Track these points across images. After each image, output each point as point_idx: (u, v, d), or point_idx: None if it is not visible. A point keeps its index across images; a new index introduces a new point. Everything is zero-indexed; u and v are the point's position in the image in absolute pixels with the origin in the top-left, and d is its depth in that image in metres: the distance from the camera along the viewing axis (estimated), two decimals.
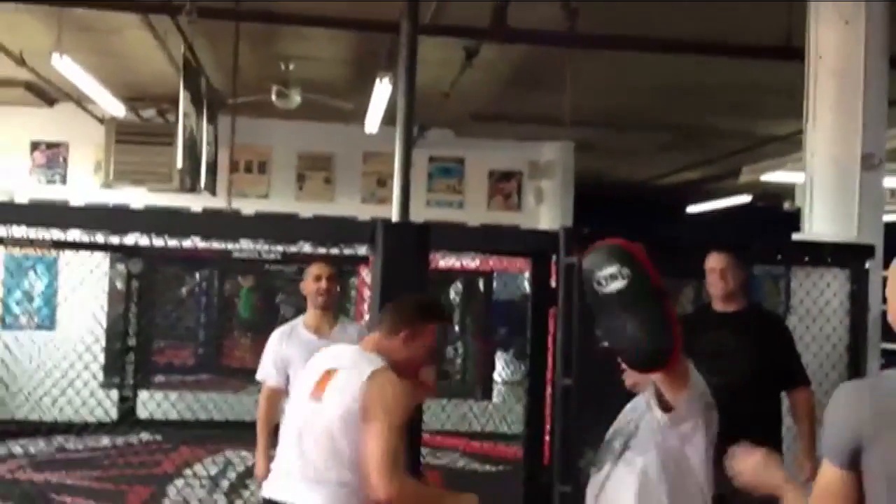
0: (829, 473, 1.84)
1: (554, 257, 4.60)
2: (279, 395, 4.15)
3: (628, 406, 2.75)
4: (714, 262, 3.98)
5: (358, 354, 2.81)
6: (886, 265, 4.47)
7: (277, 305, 10.53)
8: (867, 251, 4.33)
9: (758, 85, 7.21)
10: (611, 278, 2.31)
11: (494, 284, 10.17)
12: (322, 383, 2.71)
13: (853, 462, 1.80)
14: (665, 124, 9.28)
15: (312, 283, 4.25)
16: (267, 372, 4.17)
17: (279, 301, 10.57)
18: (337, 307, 4.42)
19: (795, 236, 4.58)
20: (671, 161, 11.25)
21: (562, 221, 10.04)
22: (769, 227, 4.96)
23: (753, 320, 3.97)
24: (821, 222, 4.48)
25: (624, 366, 2.61)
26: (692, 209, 12.97)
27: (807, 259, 4.33)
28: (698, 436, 2.52)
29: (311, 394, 2.72)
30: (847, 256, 4.31)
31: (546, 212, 10.26)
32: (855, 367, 4.23)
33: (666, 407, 2.48)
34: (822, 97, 4.52)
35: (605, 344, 2.52)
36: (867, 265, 4.31)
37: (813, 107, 4.57)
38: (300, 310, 4.52)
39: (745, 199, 11.60)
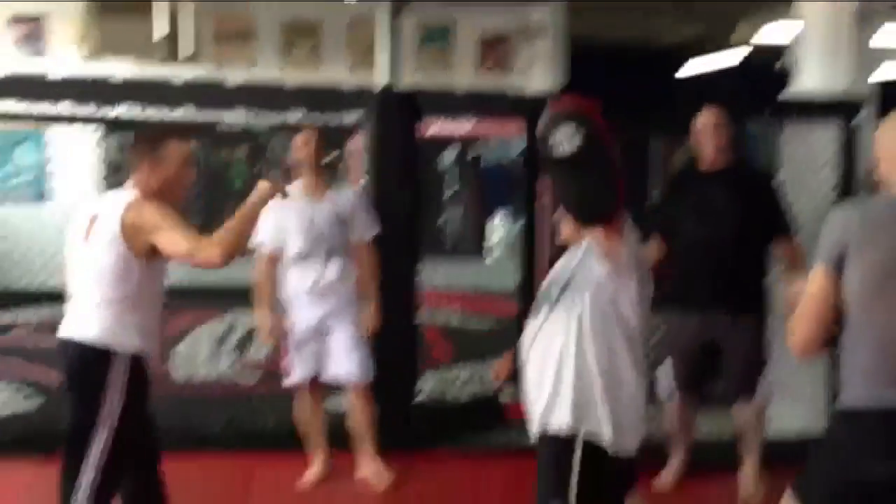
0: (820, 276, 2.20)
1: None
2: (276, 259, 4.23)
3: (562, 259, 2.85)
4: (705, 117, 4.00)
5: (114, 196, 3.07)
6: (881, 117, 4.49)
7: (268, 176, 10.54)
8: (857, 106, 4.34)
9: None
10: (565, 140, 2.40)
11: (485, 150, 10.15)
12: (88, 229, 3.01)
13: (839, 265, 2.17)
14: None
15: (301, 148, 4.27)
16: (263, 237, 4.22)
17: (271, 172, 10.56)
18: (328, 174, 4.42)
19: (786, 92, 4.58)
20: (667, 18, 11.03)
21: (554, 84, 9.94)
22: (762, 88, 4.92)
23: (740, 176, 4.02)
24: (812, 77, 4.47)
25: (559, 220, 2.79)
26: (687, 69, 12.83)
27: (797, 114, 4.34)
28: (632, 288, 2.65)
29: (84, 239, 3.03)
30: (837, 111, 4.32)
31: (537, 76, 10.13)
32: None
33: (605, 259, 2.62)
34: None
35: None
36: (857, 120, 4.34)
37: None
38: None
39: (741, 52, 11.44)
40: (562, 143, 2.40)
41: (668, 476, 4.26)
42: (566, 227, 2.80)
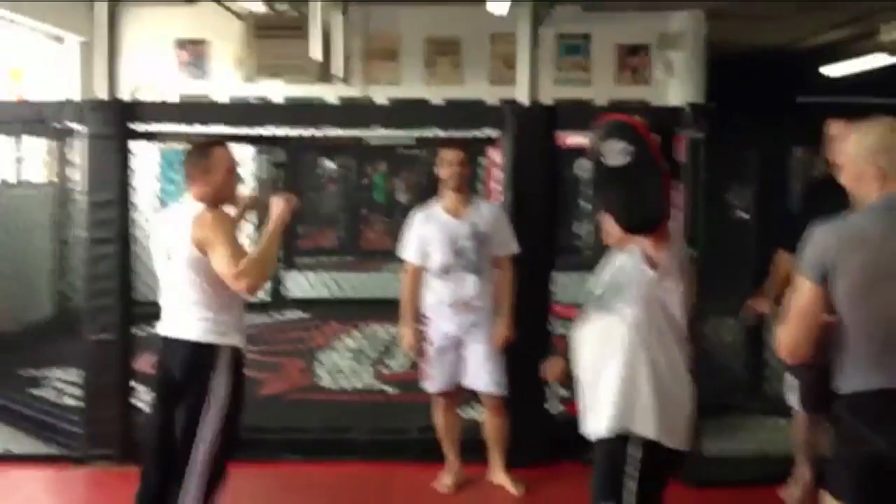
0: (807, 289, 2.43)
1: (682, 131, 4.70)
2: (420, 273, 4.46)
3: (614, 264, 2.94)
4: (832, 129, 3.99)
5: (182, 211, 3.32)
6: None
7: (415, 188, 10.86)
8: None
9: None
10: (617, 153, 2.60)
11: None
12: (168, 247, 3.32)
13: (823, 280, 2.40)
14: None
15: (446, 168, 4.46)
16: (410, 252, 4.47)
17: (416, 184, 10.90)
18: (470, 188, 4.62)
19: None
20: (806, 24, 10.76)
21: (693, 94, 9.86)
22: None
23: None
24: None
25: (606, 227, 2.91)
26: (829, 71, 12.40)
27: None
28: (677, 292, 2.78)
29: (166, 256, 3.34)
30: None
31: (676, 84, 10.08)
32: None
33: (653, 265, 2.74)
34: None
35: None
36: None
37: None
38: (432, 192, 4.78)
39: (884, 59, 11.01)
40: (613, 154, 2.59)
41: (794, 490, 4.22)
42: (613, 233, 2.90)
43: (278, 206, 3.37)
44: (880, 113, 3.99)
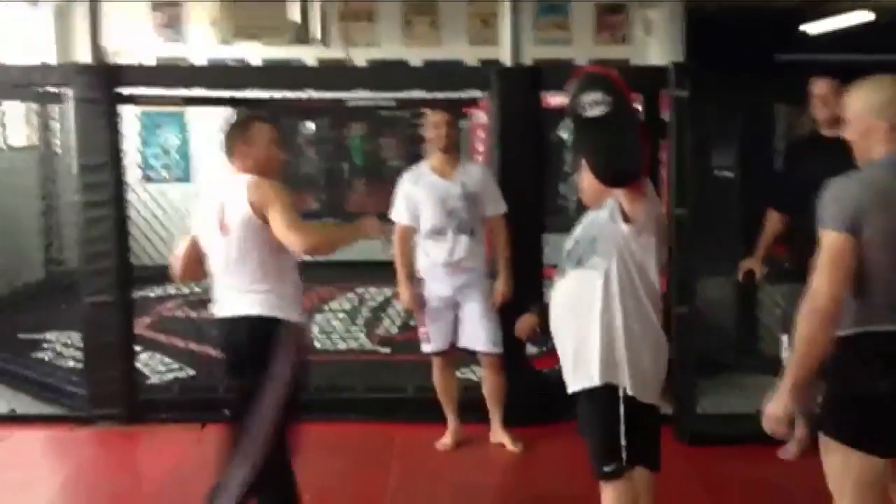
0: (836, 238, 2.45)
1: (665, 90, 4.76)
2: (411, 233, 4.52)
3: (586, 219, 3.01)
4: (817, 88, 4.07)
5: (232, 182, 3.28)
6: None
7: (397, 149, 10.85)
8: None
9: None
10: (594, 104, 2.58)
11: None
12: (220, 219, 3.23)
13: (855, 228, 2.45)
14: None
15: (432, 129, 4.51)
16: (399, 213, 4.53)
17: (397, 145, 10.88)
18: (457, 149, 4.67)
19: None
20: None
21: (672, 53, 9.89)
22: (893, 47, 4.90)
23: None
24: None
25: (583, 184, 2.98)
26: (810, 28, 12.45)
27: None
28: (652, 246, 2.84)
29: (219, 230, 3.24)
30: None
31: (656, 43, 10.12)
32: None
33: (627, 219, 2.80)
34: None
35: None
36: None
37: None
38: (414, 154, 4.82)
39: (866, 16, 11.09)
40: (590, 105, 2.59)
41: (791, 448, 4.29)
42: (588, 190, 2.97)
43: (370, 226, 3.37)
44: (860, 70, 4.09)
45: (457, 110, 5.28)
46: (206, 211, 3.32)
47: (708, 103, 4.89)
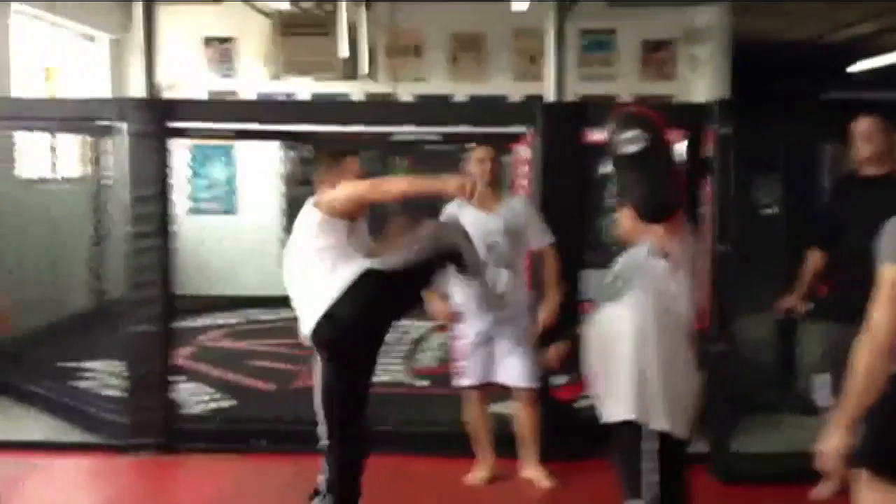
0: None
1: (709, 127, 4.75)
2: None
3: (625, 255, 3.03)
4: (859, 125, 4.04)
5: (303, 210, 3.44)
6: None
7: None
8: None
9: None
10: (630, 141, 2.67)
11: None
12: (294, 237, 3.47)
13: None
14: None
15: (477, 165, 4.54)
16: None
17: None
18: (500, 184, 4.69)
19: None
20: (836, 17, 10.74)
21: (718, 89, 9.86)
22: None
23: None
24: None
25: (620, 220, 3.01)
26: (858, 67, 12.37)
27: None
28: (688, 282, 2.86)
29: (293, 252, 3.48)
30: None
31: (701, 80, 10.09)
32: None
33: (664, 255, 2.83)
34: None
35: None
36: None
37: None
38: None
39: None
40: (626, 142, 2.66)
41: (824, 489, 4.18)
42: (626, 226, 2.99)
43: (455, 184, 3.47)
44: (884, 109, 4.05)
45: (501, 145, 5.30)
46: (291, 239, 3.53)
47: (752, 140, 4.87)
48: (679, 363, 2.89)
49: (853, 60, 12.42)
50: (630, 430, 2.89)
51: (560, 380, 3.18)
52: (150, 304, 4.92)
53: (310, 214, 3.46)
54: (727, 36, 10.03)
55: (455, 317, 4.51)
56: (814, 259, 4.33)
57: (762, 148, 6.09)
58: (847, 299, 4.01)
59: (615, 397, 2.91)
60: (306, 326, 3.47)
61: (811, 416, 4.67)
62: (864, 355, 2.43)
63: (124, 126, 4.95)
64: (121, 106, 5.05)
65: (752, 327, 5.22)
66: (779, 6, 10.02)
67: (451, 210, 4.58)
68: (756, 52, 11.53)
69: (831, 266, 4.22)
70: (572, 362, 3.08)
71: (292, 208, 9.47)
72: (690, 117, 4.95)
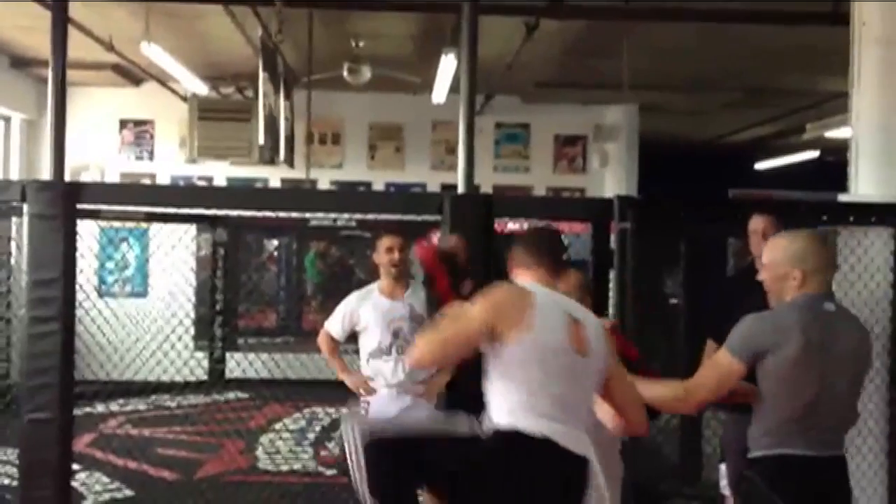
0: (731, 363, 2.87)
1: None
2: (336, 345, 4.62)
3: None
4: (754, 224, 4.21)
5: (573, 302, 2.91)
6: None
7: (350, 267, 10.96)
8: None
9: (816, 46, 7.29)
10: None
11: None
12: (578, 336, 2.74)
13: (751, 361, 2.85)
14: (729, 84, 9.37)
15: (385, 254, 4.58)
16: (334, 325, 4.58)
17: (352, 263, 10.99)
18: (408, 273, 4.74)
19: (842, 197, 4.78)
20: (736, 120, 11.31)
21: (626, 183, 10.24)
22: (836, 182, 5.13)
23: None
24: (867, 183, 4.67)
25: None
26: (760, 166, 12.98)
27: (852, 219, 4.54)
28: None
29: (575, 349, 2.73)
30: (891, 215, 4.51)
31: (611, 174, 10.46)
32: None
33: None
34: (866, 63, 4.69)
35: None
36: None
37: (858, 72, 4.75)
38: (372, 271, 4.89)
39: (811, 154, 11.60)
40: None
41: None
42: None
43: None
44: (807, 206, 4.35)
45: (417, 233, 5.37)
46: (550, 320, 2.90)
47: (657, 234, 5.03)
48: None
49: (757, 159, 13.03)
50: None
51: None
52: (46, 390, 4.75)
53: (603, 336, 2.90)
54: (634, 134, 10.47)
55: (370, 388, 4.50)
56: (712, 350, 4.44)
57: (665, 242, 6.29)
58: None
59: None
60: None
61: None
62: (666, 407, 2.90)
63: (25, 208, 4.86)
64: (24, 187, 4.96)
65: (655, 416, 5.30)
66: (681, 107, 10.51)
67: (354, 296, 4.60)
68: (664, 150, 12.03)
69: None
70: None
71: (204, 292, 9.37)
72: (596, 211, 5.10)
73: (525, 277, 2.90)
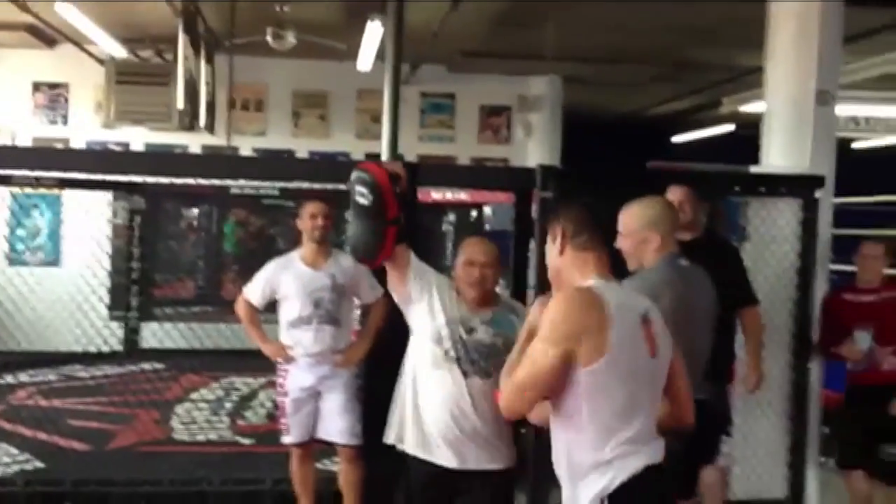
0: (552, 355, 2.31)
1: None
2: (255, 313, 4.54)
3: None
4: (672, 194, 4.29)
5: (635, 293, 2.65)
6: (841, 194, 4.83)
7: (272, 237, 10.83)
8: (818, 181, 4.65)
9: (737, 18, 7.40)
10: (361, 195, 3.11)
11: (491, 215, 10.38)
12: (650, 337, 2.46)
13: (569, 354, 2.31)
14: (651, 58, 9.48)
15: (309, 220, 4.52)
16: (253, 292, 4.51)
17: (273, 232, 10.86)
18: (329, 241, 4.69)
19: (754, 168, 4.89)
20: (658, 93, 11.46)
21: (550, 153, 10.31)
22: (753, 156, 5.25)
23: (707, 247, 4.27)
24: (778, 154, 4.79)
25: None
26: (678, 139, 13.21)
27: (763, 189, 4.65)
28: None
29: (650, 354, 2.46)
30: (799, 186, 4.64)
31: (535, 144, 10.52)
32: (804, 288, 4.58)
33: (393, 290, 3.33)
34: (781, 38, 4.79)
35: None
36: (817, 194, 4.65)
37: (773, 45, 4.85)
38: (294, 241, 4.83)
39: (728, 128, 11.84)
40: (360, 195, 3.10)
41: None
42: None
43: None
44: (721, 176, 4.46)
45: (339, 202, 5.30)
46: (623, 320, 2.51)
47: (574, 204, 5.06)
48: None
49: (676, 132, 13.25)
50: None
51: None
52: None
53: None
54: (558, 105, 10.54)
55: (289, 356, 4.45)
56: None
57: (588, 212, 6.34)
58: None
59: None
60: None
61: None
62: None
63: None
64: None
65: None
66: (604, 79, 10.61)
67: (274, 264, 4.54)
68: (587, 121, 12.14)
69: None
70: None
71: (119, 260, 9.15)
72: (519, 181, 5.12)
73: (582, 266, 2.48)
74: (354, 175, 3.15)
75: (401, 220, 3.17)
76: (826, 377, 4.84)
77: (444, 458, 3.22)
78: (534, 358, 2.36)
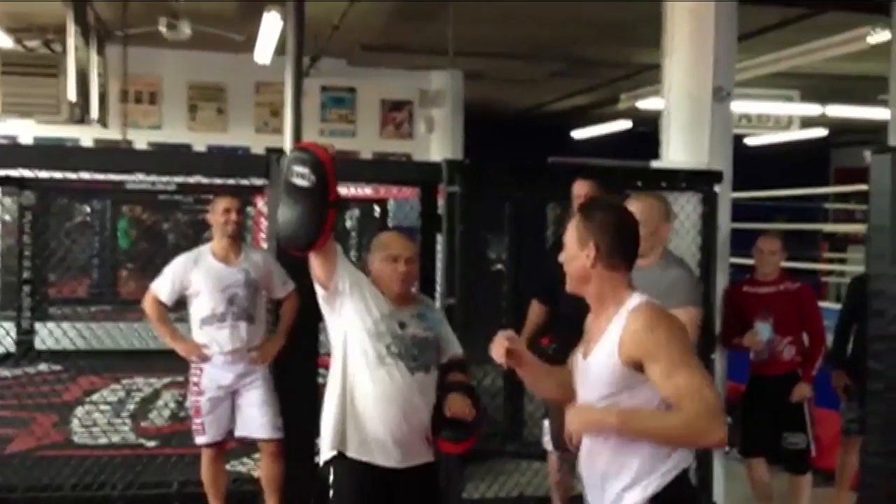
0: (697, 360, 2.27)
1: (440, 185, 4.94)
2: (165, 309, 4.40)
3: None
4: (578, 188, 4.37)
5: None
6: (734, 189, 5.01)
7: (166, 233, 10.59)
8: (717, 176, 4.82)
9: (632, 18, 7.59)
10: (301, 176, 2.89)
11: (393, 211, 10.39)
12: None
13: None
14: (550, 54, 9.63)
15: (222, 214, 4.42)
16: (162, 288, 4.37)
17: (167, 229, 10.63)
18: (241, 236, 4.61)
19: (654, 163, 5.03)
20: (557, 88, 11.66)
21: (452, 148, 10.37)
22: (649, 151, 5.40)
23: None
24: (677, 149, 4.94)
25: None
26: (577, 134, 13.46)
27: (664, 184, 4.79)
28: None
29: None
30: (699, 181, 4.79)
31: (437, 139, 10.56)
32: (706, 281, 4.74)
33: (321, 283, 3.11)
34: (678, 33, 4.93)
35: None
36: (716, 189, 4.81)
37: (671, 42, 4.99)
38: (188, 237, 4.71)
39: (626, 124, 12.13)
40: (299, 176, 2.89)
41: None
42: None
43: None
44: (623, 171, 4.51)
45: (244, 197, 5.21)
46: None
47: (482, 199, 5.11)
48: None
49: (575, 128, 13.50)
50: None
51: (453, 433, 3.13)
52: None
53: None
54: (459, 100, 10.61)
55: (204, 355, 4.35)
56: (535, 312, 4.59)
57: (491, 207, 6.42)
58: (567, 350, 4.30)
59: None
60: None
61: (538, 462, 4.93)
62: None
63: None
64: None
65: (478, 377, 5.43)
66: (503, 75, 10.73)
67: (184, 259, 4.43)
68: (489, 116, 12.26)
69: (552, 319, 4.49)
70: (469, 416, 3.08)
71: (9, 259, 8.79)
72: (423, 175, 5.13)
73: (612, 280, 2.38)
74: (292, 155, 2.96)
75: (339, 204, 2.99)
76: (729, 369, 4.99)
77: (387, 457, 3.09)
78: (690, 371, 2.21)
